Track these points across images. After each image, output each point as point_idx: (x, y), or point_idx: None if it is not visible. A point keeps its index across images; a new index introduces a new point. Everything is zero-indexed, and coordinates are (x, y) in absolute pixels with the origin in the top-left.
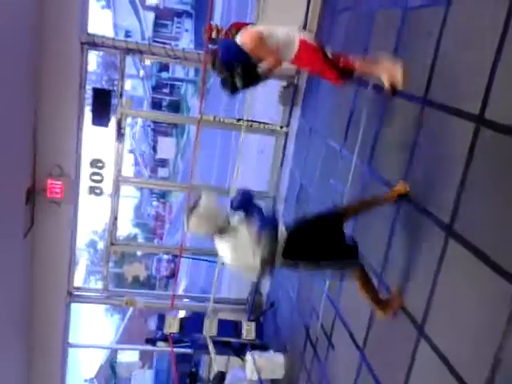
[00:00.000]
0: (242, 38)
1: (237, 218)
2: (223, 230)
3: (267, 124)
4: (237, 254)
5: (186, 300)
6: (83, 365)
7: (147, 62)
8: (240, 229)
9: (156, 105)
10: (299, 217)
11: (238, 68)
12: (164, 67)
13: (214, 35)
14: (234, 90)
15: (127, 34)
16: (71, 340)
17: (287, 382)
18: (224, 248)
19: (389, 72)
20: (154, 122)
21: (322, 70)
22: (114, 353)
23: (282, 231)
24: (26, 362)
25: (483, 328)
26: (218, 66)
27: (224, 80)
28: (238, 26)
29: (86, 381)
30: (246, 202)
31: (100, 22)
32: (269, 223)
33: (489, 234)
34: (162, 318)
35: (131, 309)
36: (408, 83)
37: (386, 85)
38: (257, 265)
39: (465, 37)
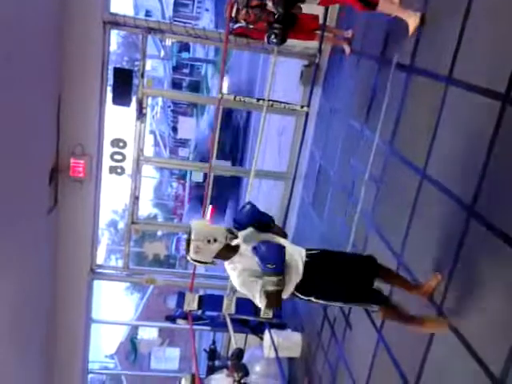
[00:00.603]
0: None
1: (243, 234)
2: (231, 251)
3: (288, 104)
4: (243, 285)
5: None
6: (104, 341)
7: (168, 43)
8: (245, 253)
9: (176, 85)
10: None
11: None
12: (184, 47)
13: (233, 14)
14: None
15: (147, 13)
16: (93, 316)
17: (304, 361)
18: (232, 274)
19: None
20: (174, 103)
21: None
22: (134, 330)
23: (301, 254)
24: (50, 336)
25: (503, 309)
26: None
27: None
28: None
29: (106, 357)
30: (252, 216)
31: (121, 2)
32: (274, 254)
33: (510, 214)
34: (181, 296)
35: (151, 287)
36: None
37: (412, 28)
38: (261, 303)
39: (492, 14)
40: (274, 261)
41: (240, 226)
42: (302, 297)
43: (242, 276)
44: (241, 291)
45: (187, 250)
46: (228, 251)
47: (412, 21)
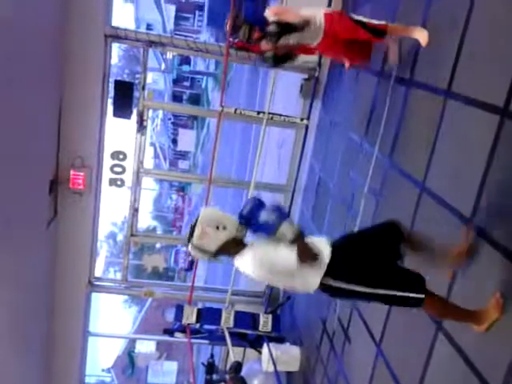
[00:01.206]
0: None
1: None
2: (239, 245)
3: (288, 117)
4: (273, 264)
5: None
6: (101, 355)
7: (169, 56)
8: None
9: (177, 98)
10: (347, 234)
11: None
12: (185, 60)
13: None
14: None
15: (149, 27)
16: (91, 329)
17: (303, 375)
18: (253, 266)
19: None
20: (174, 115)
21: (355, 33)
22: (131, 343)
23: (324, 243)
24: (47, 349)
25: (502, 323)
26: (239, 23)
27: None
28: None
29: (103, 370)
30: (258, 211)
31: (123, 15)
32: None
33: (509, 227)
34: (180, 309)
35: (149, 300)
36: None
37: (424, 43)
38: (295, 258)
39: (490, 28)
40: (273, 213)
41: (246, 221)
42: (333, 283)
43: (266, 259)
44: (276, 278)
45: (190, 235)
46: (235, 245)
47: (421, 35)
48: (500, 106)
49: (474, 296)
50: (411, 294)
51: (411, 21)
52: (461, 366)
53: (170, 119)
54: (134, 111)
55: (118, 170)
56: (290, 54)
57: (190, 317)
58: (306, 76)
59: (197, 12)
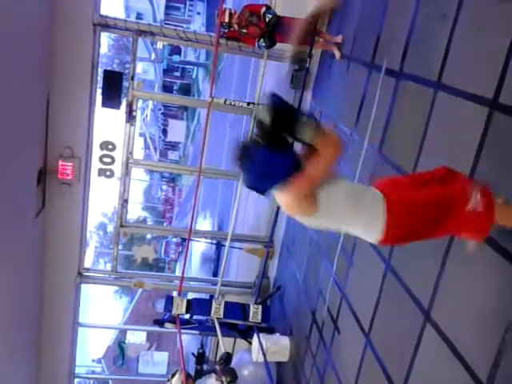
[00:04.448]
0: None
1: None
2: None
3: None
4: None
5: (194, 282)
6: (91, 345)
7: (159, 45)
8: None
9: (167, 88)
10: None
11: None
12: (175, 50)
13: (226, 19)
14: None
15: (139, 16)
16: (81, 320)
17: (292, 365)
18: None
19: None
20: (165, 106)
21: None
22: (122, 334)
23: None
24: (37, 340)
25: (490, 313)
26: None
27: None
28: (251, 9)
29: (93, 361)
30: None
31: (112, 4)
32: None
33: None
34: (170, 300)
35: (139, 291)
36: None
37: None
38: None
39: (481, 21)
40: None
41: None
42: None
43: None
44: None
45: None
46: None
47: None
48: (489, 98)
49: (461, 288)
50: None
51: (402, 14)
52: (448, 357)
53: (160, 109)
54: (124, 101)
55: (107, 160)
56: None
57: (179, 307)
58: (296, 67)
59: (187, 1)
